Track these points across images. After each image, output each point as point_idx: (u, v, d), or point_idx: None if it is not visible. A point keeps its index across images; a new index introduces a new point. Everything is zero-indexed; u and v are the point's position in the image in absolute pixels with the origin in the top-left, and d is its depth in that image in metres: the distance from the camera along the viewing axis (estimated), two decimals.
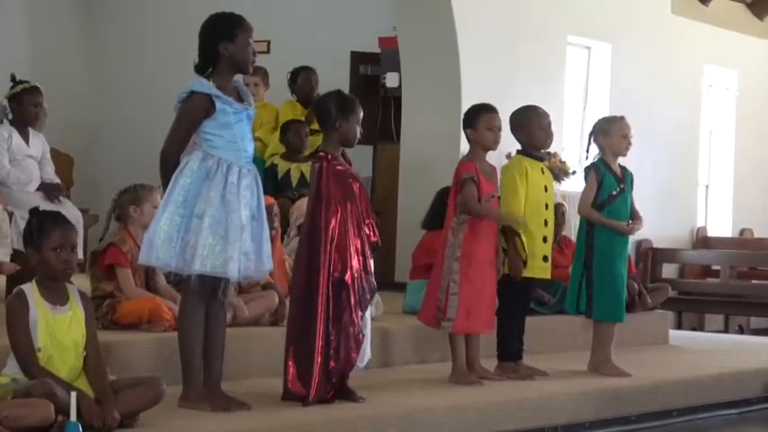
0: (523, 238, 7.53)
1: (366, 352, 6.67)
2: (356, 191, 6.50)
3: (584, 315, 8.11)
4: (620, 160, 8.17)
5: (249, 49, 6.00)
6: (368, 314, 6.63)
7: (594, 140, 8.08)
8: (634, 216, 8.06)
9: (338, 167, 6.48)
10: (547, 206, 7.79)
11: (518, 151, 7.84)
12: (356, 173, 6.62)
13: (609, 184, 7.99)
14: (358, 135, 6.60)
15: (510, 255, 7.54)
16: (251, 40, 6.01)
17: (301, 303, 6.48)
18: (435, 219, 8.69)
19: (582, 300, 8.01)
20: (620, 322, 8.10)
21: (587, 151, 8.13)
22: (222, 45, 5.95)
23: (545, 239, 7.72)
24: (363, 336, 6.52)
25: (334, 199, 6.43)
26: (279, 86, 11.08)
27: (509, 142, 7.90)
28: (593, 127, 8.18)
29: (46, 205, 7.28)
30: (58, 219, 5.54)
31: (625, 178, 8.07)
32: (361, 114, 6.64)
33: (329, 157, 6.50)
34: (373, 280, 6.55)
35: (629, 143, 8.06)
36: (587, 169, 8.12)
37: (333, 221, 6.40)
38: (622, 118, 8.18)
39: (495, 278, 7.49)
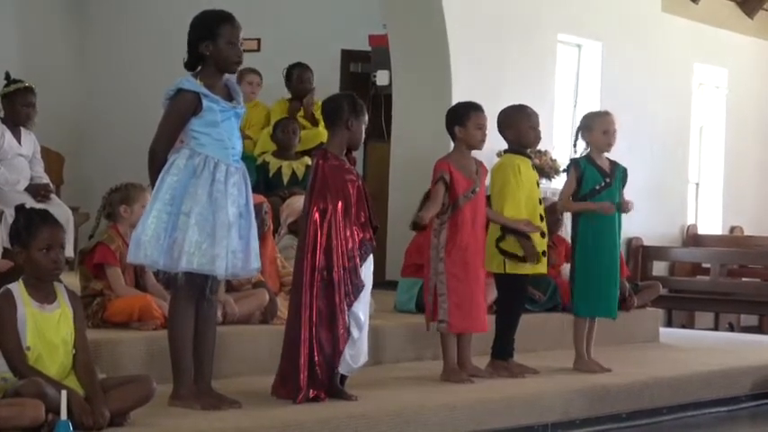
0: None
1: (363, 353, 6.60)
2: (352, 191, 6.47)
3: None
4: (613, 154, 8.15)
5: (232, 49, 5.89)
6: (363, 316, 6.58)
7: (581, 136, 8.09)
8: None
9: (334, 163, 6.46)
10: (540, 201, 7.81)
11: (507, 149, 7.84)
12: (358, 174, 6.60)
13: (591, 178, 7.96)
14: (362, 139, 6.60)
15: (522, 244, 7.52)
16: (237, 40, 5.91)
17: (293, 299, 6.52)
18: None
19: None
20: (590, 317, 8.04)
21: (575, 146, 8.14)
22: (204, 45, 5.90)
23: (543, 234, 7.72)
24: (350, 333, 6.48)
25: (326, 196, 6.42)
26: (269, 85, 11.06)
27: (497, 140, 7.89)
28: (580, 122, 8.19)
29: (34, 204, 7.23)
30: (46, 218, 5.49)
31: (613, 173, 8.04)
32: (367, 120, 6.64)
33: (328, 155, 6.50)
34: (360, 280, 6.48)
35: (612, 139, 8.02)
36: (568, 165, 8.14)
37: (321, 219, 6.39)
38: (606, 113, 8.18)
39: (483, 275, 7.48)
